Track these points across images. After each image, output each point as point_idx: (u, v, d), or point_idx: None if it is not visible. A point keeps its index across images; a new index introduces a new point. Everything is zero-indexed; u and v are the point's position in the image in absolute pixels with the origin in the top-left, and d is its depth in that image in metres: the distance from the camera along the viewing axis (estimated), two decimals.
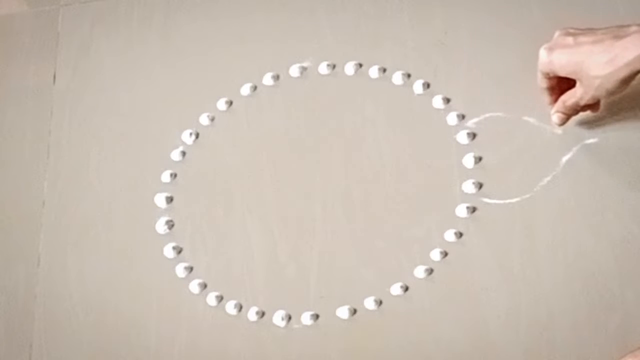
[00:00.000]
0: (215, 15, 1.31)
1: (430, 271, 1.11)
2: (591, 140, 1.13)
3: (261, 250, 1.16)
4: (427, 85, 1.20)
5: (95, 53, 1.32)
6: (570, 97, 1.09)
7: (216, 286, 1.15)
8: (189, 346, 1.13)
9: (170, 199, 1.21)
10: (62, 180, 1.25)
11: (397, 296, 1.11)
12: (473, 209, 1.13)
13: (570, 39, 1.06)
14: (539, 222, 1.11)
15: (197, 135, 1.24)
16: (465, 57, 1.21)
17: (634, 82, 1.05)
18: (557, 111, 1.11)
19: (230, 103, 1.25)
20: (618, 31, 1.04)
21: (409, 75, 1.21)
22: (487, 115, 1.18)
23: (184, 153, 1.23)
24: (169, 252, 1.18)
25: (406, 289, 1.11)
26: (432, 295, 1.10)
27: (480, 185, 1.14)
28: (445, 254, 1.12)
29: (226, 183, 1.21)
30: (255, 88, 1.25)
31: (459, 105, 1.19)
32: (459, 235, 1.12)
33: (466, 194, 1.14)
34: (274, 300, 1.13)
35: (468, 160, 1.15)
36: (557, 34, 1.08)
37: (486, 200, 1.13)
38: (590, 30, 1.06)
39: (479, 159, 1.15)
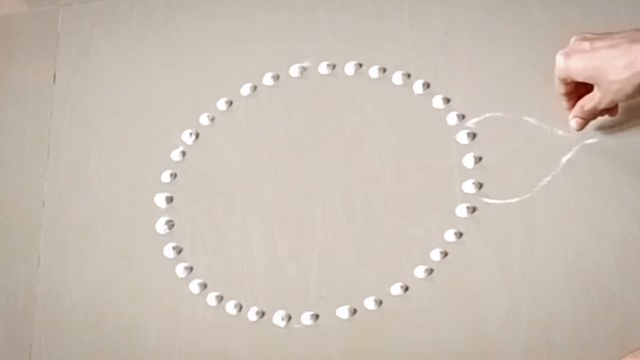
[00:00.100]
0: (215, 15, 1.31)
1: (430, 271, 1.11)
2: (591, 140, 1.13)
3: (261, 250, 1.16)
4: (427, 85, 1.20)
5: (95, 53, 1.32)
6: (588, 102, 1.08)
7: (216, 286, 1.15)
8: (189, 346, 1.13)
9: (170, 199, 1.21)
10: (62, 180, 1.25)
11: (397, 296, 1.11)
12: (473, 209, 1.13)
13: (586, 44, 1.05)
14: (539, 222, 1.11)
15: (197, 135, 1.24)
16: (465, 57, 1.21)
17: None
18: (575, 116, 1.11)
19: (230, 103, 1.25)
20: (635, 35, 1.03)
21: (409, 75, 1.21)
22: (487, 115, 1.18)
23: (184, 153, 1.23)
24: (169, 252, 1.18)
25: (406, 289, 1.11)
26: (432, 295, 1.10)
27: (480, 185, 1.14)
28: (445, 254, 1.11)
29: (226, 183, 1.21)
30: (255, 88, 1.25)
31: (459, 105, 1.19)
32: (459, 235, 1.12)
33: (466, 194, 1.14)
34: (274, 300, 1.13)
35: (468, 160, 1.15)
36: (573, 39, 1.07)
37: (486, 200, 1.13)
38: (606, 35, 1.05)
39: (479, 159, 1.15)
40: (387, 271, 1.12)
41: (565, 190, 1.12)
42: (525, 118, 1.16)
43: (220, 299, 1.14)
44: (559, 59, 1.07)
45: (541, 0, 1.22)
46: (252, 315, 1.13)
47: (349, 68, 1.24)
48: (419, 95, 1.20)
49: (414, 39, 1.24)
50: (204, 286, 1.15)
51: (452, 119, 1.18)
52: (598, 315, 1.05)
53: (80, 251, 1.20)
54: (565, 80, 1.08)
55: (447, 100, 1.19)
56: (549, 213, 1.11)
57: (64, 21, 1.35)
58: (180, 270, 1.17)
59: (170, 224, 1.20)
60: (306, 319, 1.12)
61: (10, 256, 1.22)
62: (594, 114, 1.10)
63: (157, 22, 1.32)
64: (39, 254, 1.21)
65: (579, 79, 1.07)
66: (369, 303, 1.11)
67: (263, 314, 1.13)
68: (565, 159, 1.13)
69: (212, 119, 1.24)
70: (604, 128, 1.13)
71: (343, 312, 1.11)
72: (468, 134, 1.17)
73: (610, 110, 1.10)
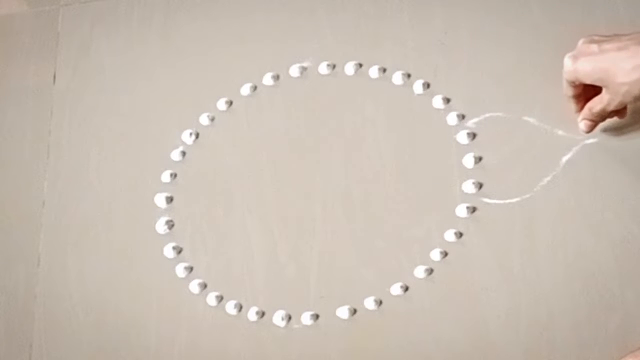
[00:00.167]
0: (215, 15, 1.31)
1: (430, 271, 1.11)
2: (591, 140, 1.13)
3: (261, 250, 1.16)
4: (427, 85, 1.20)
5: (95, 53, 1.32)
6: (596, 104, 1.08)
7: (216, 286, 1.15)
8: (189, 346, 1.13)
9: (170, 199, 1.21)
10: (62, 180, 1.25)
11: (397, 296, 1.11)
12: (473, 209, 1.13)
13: (594, 47, 1.05)
14: (539, 222, 1.11)
15: (197, 135, 1.24)
16: (465, 57, 1.21)
17: None
18: (584, 118, 1.11)
19: (230, 103, 1.25)
20: None
21: (409, 75, 1.21)
22: (487, 115, 1.18)
23: (184, 153, 1.23)
24: (169, 252, 1.18)
25: (406, 289, 1.11)
26: (432, 295, 1.10)
27: (480, 185, 1.14)
28: (445, 254, 1.11)
29: (226, 183, 1.21)
30: (255, 88, 1.25)
31: (459, 105, 1.19)
32: (459, 235, 1.12)
33: (466, 194, 1.14)
34: (274, 300, 1.13)
35: (468, 160, 1.15)
36: (580, 41, 1.07)
37: (486, 200, 1.13)
38: (614, 37, 1.05)
39: (479, 159, 1.15)
40: (387, 271, 1.12)
41: (565, 190, 1.12)
42: (525, 118, 1.16)
43: (220, 299, 1.14)
44: (567, 61, 1.07)
45: (541, 0, 1.22)
46: (252, 315, 1.13)
47: (349, 68, 1.24)
48: (419, 95, 1.20)
49: (414, 39, 1.24)
50: (204, 286, 1.15)
51: (452, 119, 1.18)
52: (598, 315, 1.05)
53: (80, 251, 1.20)
54: (573, 82, 1.08)
55: (447, 100, 1.19)
56: (549, 213, 1.11)
57: (64, 21, 1.35)
58: (180, 270, 1.17)
59: (170, 224, 1.20)
60: (306, 319, 1.12)
61: (10, 256, 1.22)
62: (602, 116, 1.10)
63: (157, 22, 1.32)
64: (39, 254, 1.21)
65: (588, 82, 1.07)
66: (369, 303, 1.11)
67: (263, 314, 1.13)
68: (565, 159, 1.13)
69: (212, 119, 1.24)
70: (604, 128, 1.13)
71: (343, 312, 1.11)
72: (468, 134, 1.17)
73: (619, 112, 1.10)
